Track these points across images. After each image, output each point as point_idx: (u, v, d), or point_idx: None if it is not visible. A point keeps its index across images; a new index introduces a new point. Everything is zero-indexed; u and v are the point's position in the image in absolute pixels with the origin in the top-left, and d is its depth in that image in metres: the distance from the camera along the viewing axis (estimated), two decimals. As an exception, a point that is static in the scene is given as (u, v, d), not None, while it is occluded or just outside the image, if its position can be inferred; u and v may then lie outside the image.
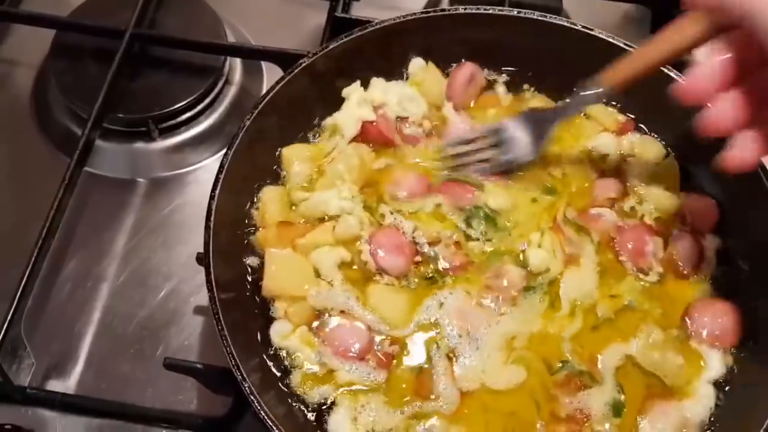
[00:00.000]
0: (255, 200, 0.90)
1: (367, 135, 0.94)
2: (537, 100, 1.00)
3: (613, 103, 0.99)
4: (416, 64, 0.99)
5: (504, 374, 0.79)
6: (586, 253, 0.86)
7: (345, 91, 0.96)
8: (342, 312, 0.82)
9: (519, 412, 0.78)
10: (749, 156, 0.68)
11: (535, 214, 0.89)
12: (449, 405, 0.77)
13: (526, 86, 1.01)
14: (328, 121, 0.95)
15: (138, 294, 1.01)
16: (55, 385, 0.93)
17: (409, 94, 0.97)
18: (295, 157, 0.91)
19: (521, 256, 0.86)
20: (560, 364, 0.80)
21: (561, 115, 0.88)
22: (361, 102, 0.94)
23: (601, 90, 0.79)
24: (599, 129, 0.97)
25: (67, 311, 0.99)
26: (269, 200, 0.88)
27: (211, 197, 0.80)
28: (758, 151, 0.68)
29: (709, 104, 0.68)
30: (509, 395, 0.78)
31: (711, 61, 0.68)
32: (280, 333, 0.82)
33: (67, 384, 0.94)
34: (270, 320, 0.84)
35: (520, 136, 0.88)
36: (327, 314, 0.82)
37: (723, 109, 0.67)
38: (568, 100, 0.87)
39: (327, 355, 0.79)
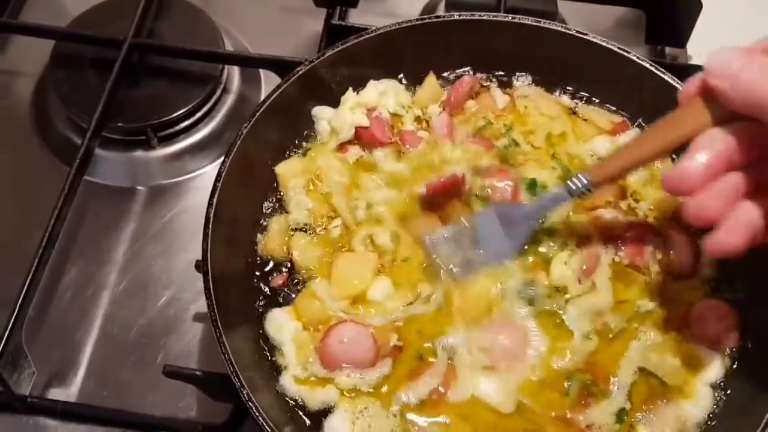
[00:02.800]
0: (259, 221, 0.91)
1: (360, 139, 0.95)
2: (532, 102, 1.00)
3: (599, 101, 0.99)
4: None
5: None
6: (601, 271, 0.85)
7: (342, 98, 0.96)
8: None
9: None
10: (733, 243, 0.62)
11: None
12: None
13: (521, 90, 1.02)
14: (323, 127, 0.96)
15: (138, 302, 1.01)
16: (56, 394, 0.94)
17: (403, 99, 0.98)
18: (290, 174, 0.92)
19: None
20: (568, 383, 0.79)
21: (540, 211, 0.82)
22: (354, 107, 0.94)
23: (586, 186, 0.73)
24: (595, 132, 0.97)
25: (67, 320, 1.00)
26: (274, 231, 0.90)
27: (209, 205, 0.81)
28: (744, 238, 0.62)
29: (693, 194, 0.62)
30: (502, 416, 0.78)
31: (704, 156, 0.61)
32: (275, 323, 0.83)
33: (68, 392, 0.94)
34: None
35: (495, 234, 0.83)
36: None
37: (706, 202, 0.61)
38: (547, 195, 0.83)
39: (318, 365, 0.80)
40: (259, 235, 0.90)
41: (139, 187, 1.11)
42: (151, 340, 0.98)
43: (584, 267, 0.84)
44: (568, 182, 0.74)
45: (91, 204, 1.09)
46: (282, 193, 0.92)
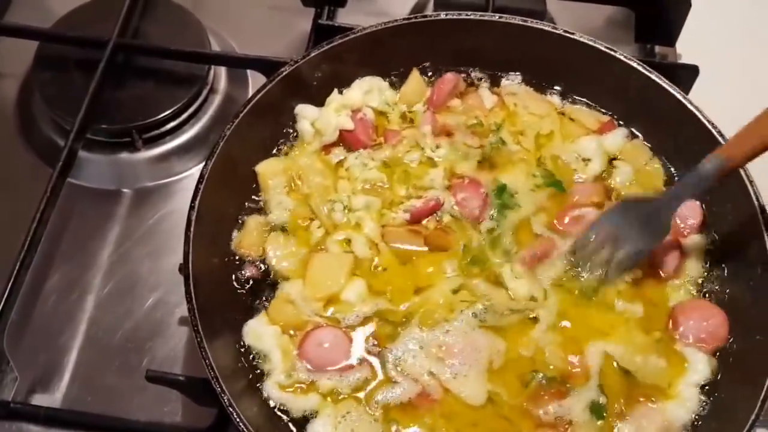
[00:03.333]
0: (239, 219, 0.91)
1: (344, 141, 0.94)
2: (521, 101, 0.99)
3: (586, 100, 0.99)
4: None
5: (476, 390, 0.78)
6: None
7: (327, 100, 0.96)
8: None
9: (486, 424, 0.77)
10: None
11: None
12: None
13: (510, 88, 1.01)
14: (305, 126, 0.95)
15: (123, 305, 1.00)
16: (39, 399, 0.93)
17: (389, 96, 0.98)
18: (271, 174, 0.91)
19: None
20: (531, 376, 0.79)
21: (675, 201, 0.79)
22: (339, 109, 0.94)
23: (721, 165, 0.69)
24: (582, 131, 0.97)
25: (51, 324, 0.99)
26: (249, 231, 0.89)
27: (191, 208, 0.80)
28: None
29: None
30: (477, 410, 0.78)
31: None
32: (254, 332, 0.82)
33: (52, 398, 0.93)
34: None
35: (631, 231, 0.82)
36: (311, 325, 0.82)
37: None
38: (683, 181, 0.81)
39: (303, 368, 0.79)
40: (235, 232, 0.90)
41: (125, 190, 1.10)
42: (136, 344, 0.97)
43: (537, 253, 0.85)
44: (701, 165, 0.71)
45: (76, 207, 1.07)
46: (261, 193, 0.92)
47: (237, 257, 0.88)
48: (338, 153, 0.94)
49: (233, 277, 0.87)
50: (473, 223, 0.89)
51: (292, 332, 0.82)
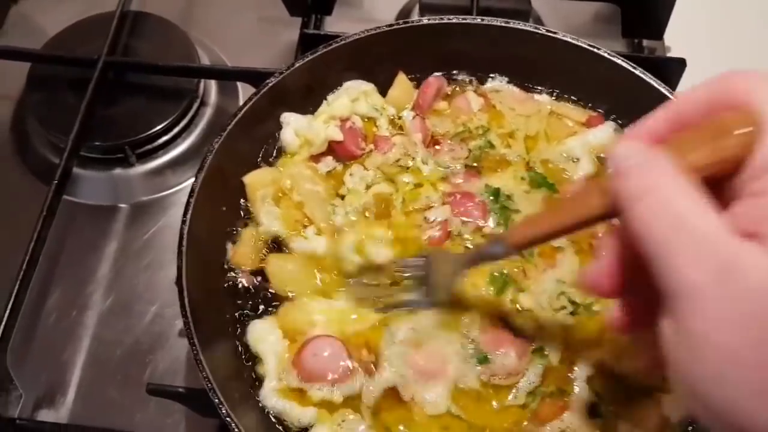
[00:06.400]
0: (233, 231, 0.91)
1: (333, 152, 0.95)
2: (507, 102, 0.99)
3: (574, 98, 0.99)
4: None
5: None
6: None
7: (316, 113, 0.97)
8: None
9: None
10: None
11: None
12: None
13: (496, 88, 1.01)
14: (289, 135, 0.95)
15: (123, 320, 1.01)
16: (44, 415, 0.94)
17: (376, 100, 0.98)
18: (259, 185, 0.92)
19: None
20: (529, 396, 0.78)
21: (463, 265, 0.77)
22: (328, 120, 0.94)
23: (503, 249, 0.68)
24: (570, 130, 0.97)
25: (53, 341, 1.00)
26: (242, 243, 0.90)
27: (183, 222, 0.81)
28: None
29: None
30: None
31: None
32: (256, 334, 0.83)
33: (56, 414, 0.94)
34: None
35: (424, 278, 0.79)
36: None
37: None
38: (471, 252, 0.82)
39: (297, 378, 0.79)
40: (230, 244, 0.90)
41: (121, 205, 1.11)
42: (137, 358, 0.98)
43: None
44: (488, 246, 0.72)
45: (73, 224, 1.09)
46: (250, 204, 0.92)
47: (232, 268, 0.89)
48: (328, 163, 0.95)
49: (228, 287, 0.88)
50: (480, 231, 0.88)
51: (291, 339, 0.82)
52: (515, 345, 0.80)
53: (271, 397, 0.78)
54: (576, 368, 0.80)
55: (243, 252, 0.89)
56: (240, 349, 0.84)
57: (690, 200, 0.45)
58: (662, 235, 0.45)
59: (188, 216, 0.81)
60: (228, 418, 0.70)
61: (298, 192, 0.91)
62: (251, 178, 0.92)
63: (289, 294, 0.86)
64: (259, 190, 0.91)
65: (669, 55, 1.20)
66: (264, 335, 0.83)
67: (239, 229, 0.91)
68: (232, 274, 0.89)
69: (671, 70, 1.04)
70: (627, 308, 0.55)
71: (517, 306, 0.83)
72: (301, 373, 0.78)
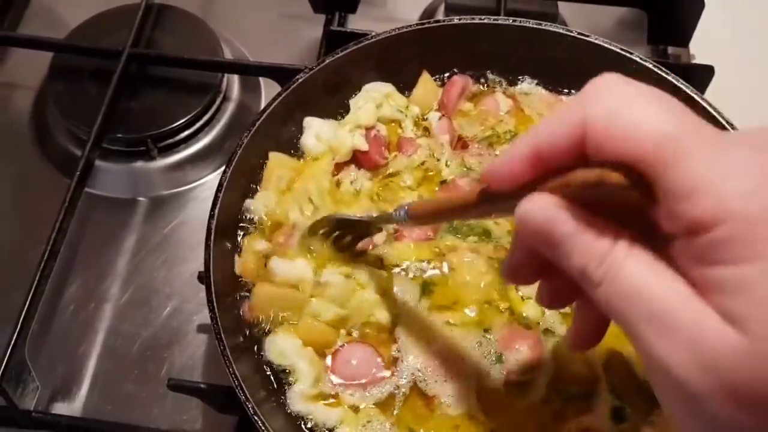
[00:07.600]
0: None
1: (357, 161, 0.94)
2: (531, 103, 0.98)
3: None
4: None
5: None
6: None
7: (341, 122, 0.95)
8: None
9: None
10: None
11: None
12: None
13: (525, 92, 1.01)
14: (309, 140, 0.94)
15: (141, 314, 1.01)
16: (60, 408, 0.93)
17: (399, 101, 0.97)
18: (281, 165, 0.91)
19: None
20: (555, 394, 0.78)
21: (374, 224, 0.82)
22: (353, 129, 0.93)
23: (404, 218, 0.70)
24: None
25: (70, 334, 0.99)
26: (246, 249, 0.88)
27: (211, 216, 0.80)
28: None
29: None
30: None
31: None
32: (276, 350, 0.81)
33: (72, 407, 0.93)
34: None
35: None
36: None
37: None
38: (379, 215, 0.85)
39: (330, 382, 0.79)
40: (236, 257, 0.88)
41: (140, 198, 1.10)
42: (154, 352, 0.97)
43: None
44: (394, 210, 0.73)
45: (92, 216, 1.08)
46: (263, 181, 0.90)
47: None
48: (351, 174, 0.93)
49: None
50: None
51: (316, 349, 0.81)
52: (526, 338, 0.80)
53: (298, 400, 0.77)
54: (596, 371, 0.79)
55: (249, 264, 0.87)
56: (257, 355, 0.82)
57: (657, 278, 0.41)
58: (635, 320, 0.42)
59: (216, 210, 0.80)
60: (255, 417, 0.69)
61: (309, 191, 0.89)
62: (276, 155, 0.91)
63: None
64: (278, 169, 0.90)
65: (694, 62, 1.19)
66: (285, 348, 0.81)
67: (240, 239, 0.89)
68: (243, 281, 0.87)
69: (699, 77, 1.04)
70: (548, 292, 0.56)
71: (520, 294, 0.83)
72: (337, 377, 0.78)
